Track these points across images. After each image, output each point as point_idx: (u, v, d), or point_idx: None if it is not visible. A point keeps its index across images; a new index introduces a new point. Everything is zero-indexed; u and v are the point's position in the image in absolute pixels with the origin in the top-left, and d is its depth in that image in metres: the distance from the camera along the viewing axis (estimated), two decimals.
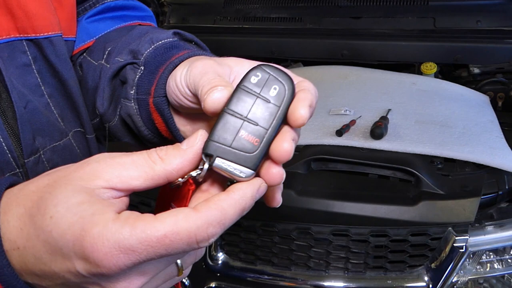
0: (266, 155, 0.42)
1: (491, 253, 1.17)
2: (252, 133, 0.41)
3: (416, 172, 1.20)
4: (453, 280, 1.15)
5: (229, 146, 0.41)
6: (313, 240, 1.20)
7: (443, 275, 1.14)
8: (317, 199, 1.23)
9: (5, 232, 0.39)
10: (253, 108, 0.42)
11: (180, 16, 1.98)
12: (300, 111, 0.41)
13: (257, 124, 0.41)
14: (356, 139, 1.29)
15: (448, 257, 1.14)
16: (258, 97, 0.42)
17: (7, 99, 0.51)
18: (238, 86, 0.42)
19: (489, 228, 1.15)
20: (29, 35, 0.55)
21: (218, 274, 1.25)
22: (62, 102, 0.61)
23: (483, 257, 1.17)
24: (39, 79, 0.58)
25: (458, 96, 1.52)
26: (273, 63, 1.60)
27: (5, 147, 0.50)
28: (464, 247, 1.13)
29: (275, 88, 0.42)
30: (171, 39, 0.59)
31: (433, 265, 1.15)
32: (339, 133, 1.30)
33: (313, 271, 1.20)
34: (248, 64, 0.48)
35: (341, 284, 1.18)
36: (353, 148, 1.29)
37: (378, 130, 1.27)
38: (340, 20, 1.76)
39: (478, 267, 1.18)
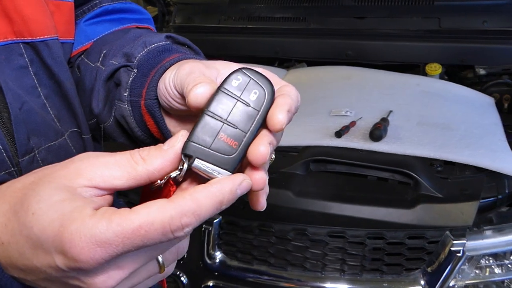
0: (244, 158, 0.42)
1: (490, 258, 1.16)
2: (231, 136, 0.42)
3: (415, 175, 1.19)
4: (450, 284, 1.14)
5: (208, 148, 0.41)
6: (309, 241, 1.20)
7: (439, 279, 1.13)
8: (315, 201, 1.23)
9: None
10: (233, 111, 0.42)
11: (185, 16, 1.99)
12: (278, 116, 0.41)
13: (236, 127, 0.42)
14: (355, 141, 1.29)
15: (445, 261, 1.13)
16: (238, 100, 0.42)
17: (3, 100, 0.53)
18: (218, 88, 0.43)
19: (488, 232, 1.13)
20: (26, 38, 0.57)
21: (216, 273, 1.26)
22: (59, 103, 0.62)
23: (482, 261, 1.16)
24: (35, 80, 0.59)
25: (462, 97, 1.50)
26: (277, 63, 1.60)
27: (0, 147, 0.52)
28: (461, 251, 1.12)
29: (255, 92, 0.43)
30: (163, 43, 0.60)
31: (429, 269, 1.14)
32: (338, 134, 1.30)
33: (309, 272, 1.20)
34: (236, 67, 0.48)
35: (337, 285, 1.18)
36: (352, 150, 1.28)
37: (377, 132, 1.26)
38: (345, 20, 1.75)
39: (477, 271, 1.17)
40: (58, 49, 0.61)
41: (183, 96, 0.47)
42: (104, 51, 0.65)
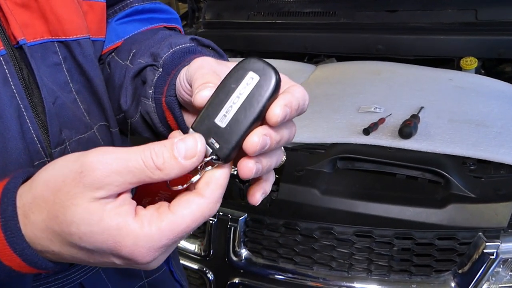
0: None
1: None
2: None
3: (446, 174, 1.15)
4: (483, 287, 1.10)
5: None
6: (335, 241, 1.18)
7: (471, 282, 1.09)
8: (341, 199, 1.21)
9: (35, 238, 0.42)
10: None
11: (215, 12, 2.00)
12: (275, 110, 0.42)
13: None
14: (384, 138, 1.26)
15: (478, 263, 1.09)
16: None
17: (38, 95, 0.57)
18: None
19: None
20: (60, 37, 0.61)
21: (241, 271, 1.26)
22: (89, 98, 0.66)
23: None
24: (68, 77, 0.63)
25: (499, 93, 1.44)
26: (307, 58, 1.56)
27: (35, 138, 0.56)
28: (495, 253, 1.08)
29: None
30: (188, 44, 0.63)
31: (460, 271, 1.10)
32: (366, 131, 1.27)
33: (335, 272, 1.18)
34: None
35: (364, 286, 1.16)
36: (381, 147, 1.25)
37: (407, 129, 1.23)
38: (375, 14, 1.71)
39: None
40: (89, 47, 0.65)
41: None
42: (134, 51, 0.68)
